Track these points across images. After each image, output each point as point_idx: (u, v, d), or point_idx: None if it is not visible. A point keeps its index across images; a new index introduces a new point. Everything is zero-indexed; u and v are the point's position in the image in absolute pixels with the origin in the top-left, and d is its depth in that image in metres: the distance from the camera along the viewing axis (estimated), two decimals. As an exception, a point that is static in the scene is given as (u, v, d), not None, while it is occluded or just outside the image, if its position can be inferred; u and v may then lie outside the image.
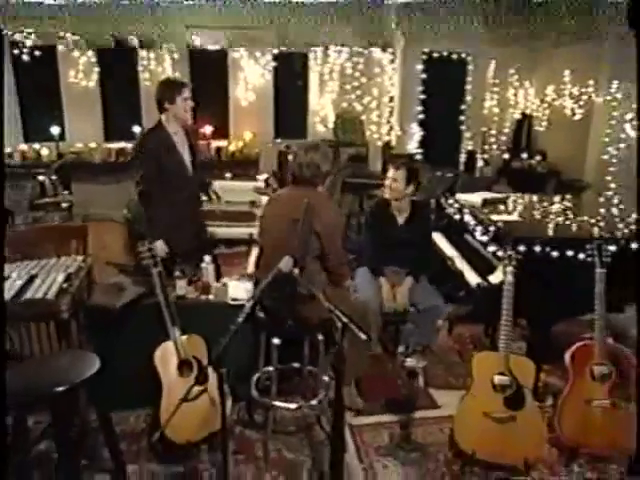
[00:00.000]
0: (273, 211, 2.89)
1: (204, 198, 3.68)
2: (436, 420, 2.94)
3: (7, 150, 6.25)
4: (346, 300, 2.86)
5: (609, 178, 6.19)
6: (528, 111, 7.59)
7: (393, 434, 2.85)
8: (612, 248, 2.71)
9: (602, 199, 4.77)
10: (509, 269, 2.60)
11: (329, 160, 2.82)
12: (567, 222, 3.44)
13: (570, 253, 2.81)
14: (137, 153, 3.39)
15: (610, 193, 6.01)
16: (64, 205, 5.35)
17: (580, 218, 3.55)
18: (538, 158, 7.31)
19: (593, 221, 3.39)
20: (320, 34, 6.63)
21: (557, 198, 4.11)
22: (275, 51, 6.68)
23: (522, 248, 2.82)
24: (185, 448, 2.59)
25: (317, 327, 2.64)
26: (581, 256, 2.77)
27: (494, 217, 3.31)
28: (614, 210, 3.79)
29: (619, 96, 6.08)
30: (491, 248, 3.08)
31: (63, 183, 5.83)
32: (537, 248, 2.84)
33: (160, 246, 3.21)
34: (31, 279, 2.70)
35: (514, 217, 3.31)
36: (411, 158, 6.43)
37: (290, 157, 2.82)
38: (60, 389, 1.96)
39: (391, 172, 3.38)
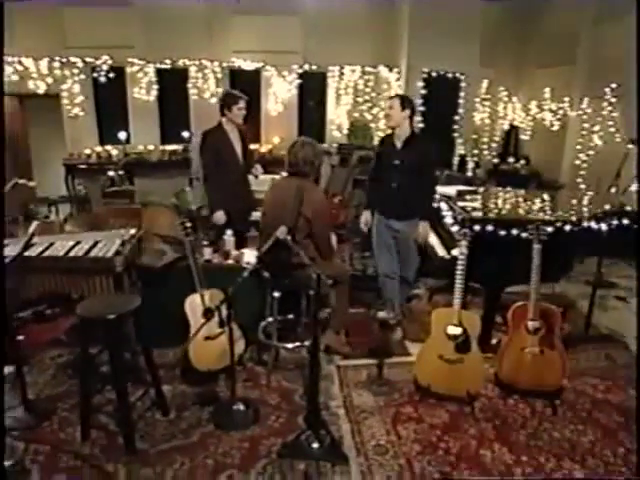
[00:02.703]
0: (271, 195, 3.10)
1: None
2: (407, 364, 3.07)
3: (87, 152, 6.59)
4: (332, 265, 3.08)
5: (579, 180, 6.21)
6: (515, 122, 7.59)
7: (370, 373, 3.02)
8: (549, 229, 2.83)
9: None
10: (463, 243, 2.76)
11: (316, 154, 2.95)
12: (516, 208, 3.54)
13: (515, 232, 2.91)
14: (202, 146, 3.69)
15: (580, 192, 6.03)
16: (127, 193, 5.72)
17: (527, 204, 3.65)
18: (522, 162, 7.30)
19: (537, 207, 3.52)
20: (337, 56, 6.79)
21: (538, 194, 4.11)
22: (300, 70, 6.85)
23: (477, 227, 2.96)
24: (207, 375, 2.85)
25: (307, 284, 2.85)
26: (524, 235, 2.85)
27: (460, 204, 3.41)
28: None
29: (589, 111, 6.06)
30: (454, 228, 3.22)
31: (128, 177, 6.22)
32: (489, 228, 2.96)
33: (220, 215, 3.62)
34: (96, 243, 2.97)
35: (475, 204, 3.43)
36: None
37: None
38: (111, 316, 2.23)
39: (387, 102, 3.34)
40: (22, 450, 2.33)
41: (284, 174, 3.14)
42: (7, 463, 2.20)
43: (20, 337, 2.81)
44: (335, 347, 3.25)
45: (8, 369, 2.91)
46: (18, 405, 2.60)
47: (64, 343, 3.29)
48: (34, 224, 2.63)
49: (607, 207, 3.36)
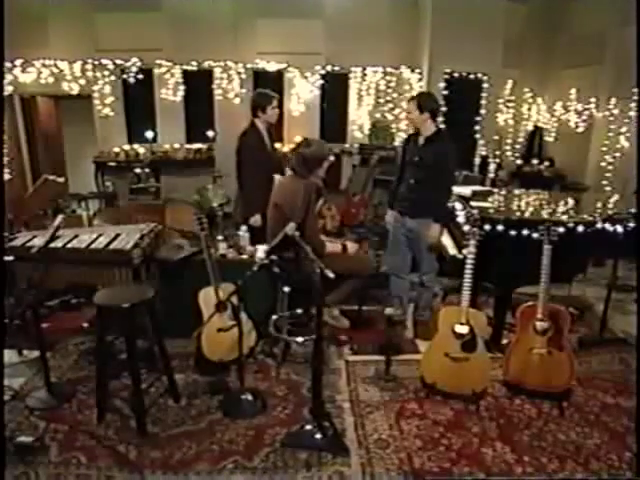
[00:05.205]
0: (278, 194, 3.16)
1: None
2: (415, 362, 3.05)
3: (116, 150, 6.80)
4: (355, 259, 3.27)
5: (605, 182, 6.04)
6: (540, 124, 7.43)
7: (378, 369, 3.04)
8: (560, 230, 2.79)
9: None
10: (472, 242, 2.77)
11: (322, 153, 2.99)
12: (530, 208, 3.49)
13: (525, 232, 2.89)
14: (240, 148, 3.68)
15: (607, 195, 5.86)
16: (152, 190, 5.89)
17: (543, 205, 3.58)
18: (547, 164, 7.15)
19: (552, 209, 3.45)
20: (359, 58, 6.81)
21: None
22: (322, 72, 6.88)
23: (487, 227, 2.94)
24: (218, 366, 2.92)
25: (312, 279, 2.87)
26: (535, 235, 2.82)
27: (473, 204, 3.39)
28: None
29: (616, 112, 5.90)
30: (466, 227, 3.20)
31: (154, 174, 6.40)
32: (499, 227, 2.94)
33: (258, 218, 3.56)
34: (116, 237, 3.08)
35: (488, 204, 3.40)
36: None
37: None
38: (125, 305, 2.33)
39: (407, 107, 3.29)
40: (43, 429, 2.47)
41: (289, 172, 3.23)
42: (29, 439, 2.33)
43: (44, 324, 2.96)
44: (331, 322, 3.28)
45: (33, 354, 3.08)
46: (42, 387, 2.75)
47: (87, 331, 3.43)
48: (59, 218, 2.75)
49: (633, 210, 3.27)
